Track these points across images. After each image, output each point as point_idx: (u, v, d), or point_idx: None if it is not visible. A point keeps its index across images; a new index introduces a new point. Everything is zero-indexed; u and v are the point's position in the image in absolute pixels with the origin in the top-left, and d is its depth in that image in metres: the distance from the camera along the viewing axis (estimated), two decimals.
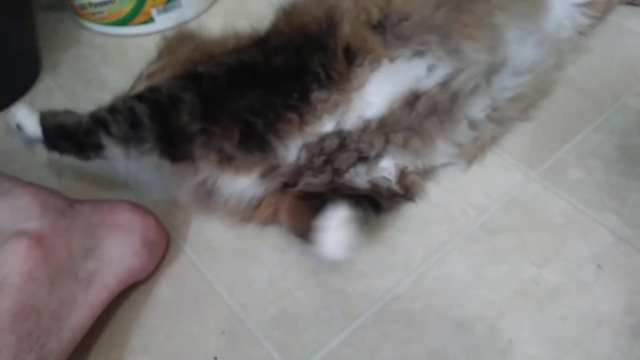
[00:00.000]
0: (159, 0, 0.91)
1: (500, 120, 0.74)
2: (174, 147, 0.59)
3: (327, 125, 0.63)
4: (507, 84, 0.72)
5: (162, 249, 0.65)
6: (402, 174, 0.67)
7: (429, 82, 0.64)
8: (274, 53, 0.62)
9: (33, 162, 0.77)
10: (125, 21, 0.93)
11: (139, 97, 0.58)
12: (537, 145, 0.77)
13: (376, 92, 0.63)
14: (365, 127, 0.64)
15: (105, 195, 0.74)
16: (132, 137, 0.57)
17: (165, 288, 0.65)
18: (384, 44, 0.63)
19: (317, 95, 0.61)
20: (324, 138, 0.63)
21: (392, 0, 0.66)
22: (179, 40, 0.71)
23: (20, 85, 0.87)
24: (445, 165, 0.73)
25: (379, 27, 0.64)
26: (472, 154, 0.73)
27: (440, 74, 0.64)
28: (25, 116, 0.60)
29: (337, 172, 0.64)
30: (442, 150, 0.70)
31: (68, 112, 0.61)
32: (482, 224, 0.69)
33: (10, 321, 0.49)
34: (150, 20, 0.93)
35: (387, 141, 0.65)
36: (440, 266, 0.66)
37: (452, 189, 0.72)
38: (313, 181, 0.64)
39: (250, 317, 0.62)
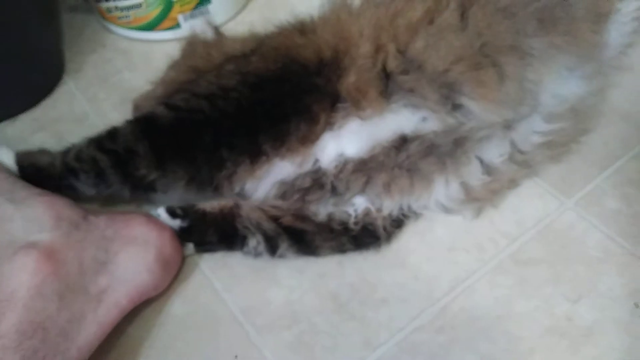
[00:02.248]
0: (186, 6, 0.89)
1: (526, 164, 0.68)
2: (140, 189, 0.63)
3: (301, 166, 0.61)
4: (537, 129, 0.65)
5: (177, 265, 0.62)
6: (368, 214, 0.64)
7: (423, 130, 0.60)
8: (253, 83, 0.60)
9: None
10: (151, 26, 0.91)
11: (100, 146, 0.61)
12: (573, 171, 0.73)
13: (355, 137, 0.60)
14: (344, 167, 0.61)
15: (122, 207, 0.72)
16: (100, 182, 0.61)
17: (178, 306, 0.62)
18: (381, 95, 0.59)
19: (289, 140, 0.59)
20: (297, 176, 0.61)
21: (413, 43, 0.60)
22: (190, 48, 0.73)
23: (43, 88, 0.86)
24: (447, 212, 0.67)
25: (386, 77, 0.59)
26: (482, 197, 0.66)
27: (434, 126, 0.60)
28: (3, 155, 0.65)
29: (305, 200, 0.63)
30: (441, 192, 0.64)
31: (42, 152, 0.66)
32: (512, 253, 0.66)
33: (16, 338, 0.47)
34: (176, 26, 0.91)
35: (367, 182, 0.62)
36: (467, 297, 0.62)
37: (481, 215, 0.69)
38: (277, 203, 0.63)
39: (265, 342, 0.59)
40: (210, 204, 0.64)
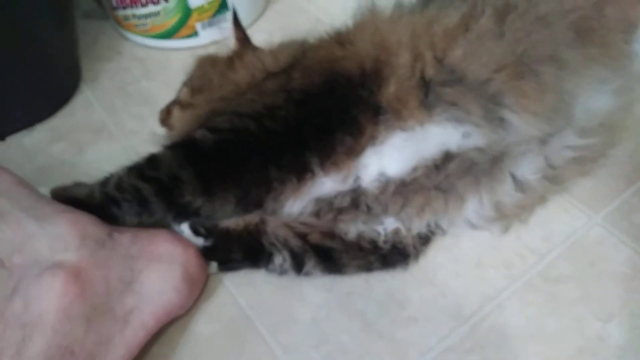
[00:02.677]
0: (204, 14, 0.88)
1: (556, 180, 0.66)
2: (184, 216, 0.61)
3: (344, 182, 0.60)
4: (570, 143, 0.64)
5: (202, 283, 0.61)
6: (398, 232, 0.63)
7: (465, 146, 0.58)
8: (299, 100, 0.59)
9: (72, 178, 0.74)
10: (168, 34, 0.90)
11: (142, 175, 0.59)
12: (600, 185, 0.71)
13: (398, 153, 0.58)
14: (385, 188, 0.60)
15: None
16: (143, 211, 0.59)
17: (203, 324, 0.61)
18: (422, 105, 0.57)
19: (335, 154, 0.58)
20: (336, 194, 0.60)
21: (451, 50, 0.58)
22: (210, 65, 0.72)
23: (59, 97, 0.85)
24: (475, 229, 0.66)
25: (425, 86, 0.58)
26: (511, 214, 0.65)
27: (477, 141, 0.58)
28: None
29: (337, 219, 0.62)
30: (473, 211, 0.63)
31: (78, 185, 0.64)
32: (541, 270, 0.64)
33: None
34: (194, 34, 0.90)
35: (404, 205, 0.61)
36: (497, 315, 0.61)
37: (509, 231, 0.68)
38: (305, 220, 0.62)
39: None
40: (235, 221, 0.63)
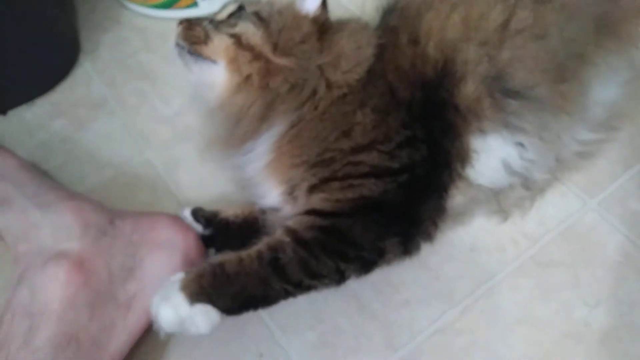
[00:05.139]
0: None
1: (557, 174, 0.67)
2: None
3: None
4: (579, 137, 0.64)
5: None
6: None
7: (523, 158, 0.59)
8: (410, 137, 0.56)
9: (73, 155, 0.76)
10: (168, 4, 0.88)
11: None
12: (599, 170, 0.72)
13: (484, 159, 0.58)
14: None
15: (144, 196, 0.72)
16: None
17: None
18: (494, 105, 0.56)
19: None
20: None
21: (499, 53, 0.56)
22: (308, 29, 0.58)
23: (60, 69, 0.85)
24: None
25: (491, 85, 0.56)
26: (513, 206, 0.67)
27: (531, 155, 0.59)
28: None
29: None
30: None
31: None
32: (533, 255, 0.66)
33: (51, 352, 0.49)
34: (194, 4, 0.89)
35: None
36: (487, 299, 0.63)
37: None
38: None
39: (289, 342, 0.61)
40: (234, 213, 0.64)
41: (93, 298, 0.53)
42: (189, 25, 0.59)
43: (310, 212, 0.55)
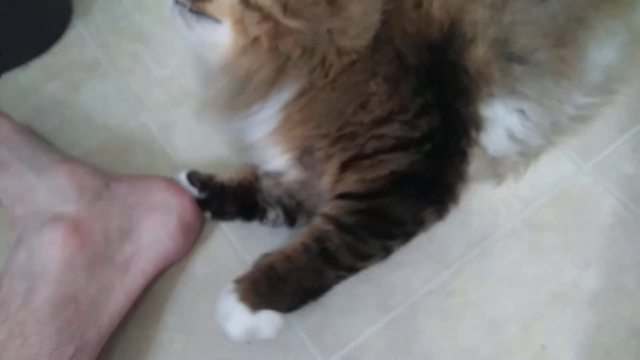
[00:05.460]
0: None
1: (552, 140, 0.65)
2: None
3: None
4: (576, 102, 0.62)
5: (197, 230, 0.64)
6: None
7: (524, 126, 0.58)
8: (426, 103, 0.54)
9: (68, 118, 0.76)
10: None
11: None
12: (593, 133, 0.71)
13: (495, 128, 0.57)
14: None
15: (139, 159, 0.72)
16: None
17: (200, 266, 0.65)
18: (503, 70, 0.54)
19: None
20: None
21: (503, 17, 0.54)
22: None
23: (53, 31, 0.83)
24: None
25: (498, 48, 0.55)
26: (508, 171, 0.65)
27: (530, 121, 0.58)
28: None
29: None
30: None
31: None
32: (526, 218, 0.67)
33: (51, 311, 0.50)
34: None
35: None
36: (479, 261, 0.64)
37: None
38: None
39: None
40: (229, 177, 0.64)
41: (90, 259, 0.54)
42: None
43: (345, 195, 0.55)
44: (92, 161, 0.65)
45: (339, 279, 0.54)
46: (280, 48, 0.52)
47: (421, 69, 0.55)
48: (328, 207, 0.55)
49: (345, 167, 0.55)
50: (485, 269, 0.64)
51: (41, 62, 0.81)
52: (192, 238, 0.63)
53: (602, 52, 0.62)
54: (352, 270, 0.55)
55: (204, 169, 0.67)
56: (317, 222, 0.54)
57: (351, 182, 0.55)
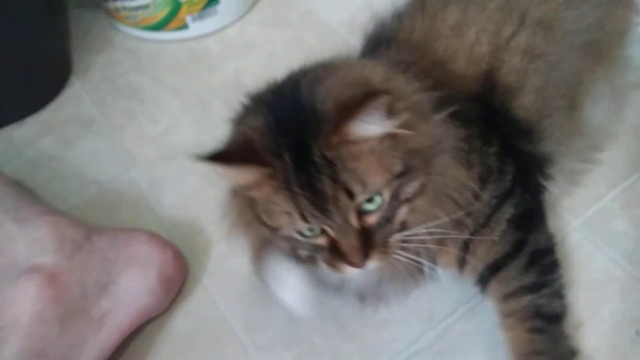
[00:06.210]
0: (194, 7, 0.88)
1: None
2: None
3: None
4: (570, 163, 0.67)
5: (179, 284, 0.63)
6: None
7: None
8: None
9: (58, 173, 0.77)
10: (159, 26, 0.90)
11: None
12: (582, 190, 0.71)
13: None
14: None
15: (126, 214, 0.72)
16: None
17: (180, 322, 0.63)
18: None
19: None
20: None
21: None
22: None
23: (50, 89, 0.86)
24: None
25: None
26: None
27: None
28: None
29: None
30: None
31: None
32: None
33: None
34: (184, 26, 0.90)
35: None
36: (468, 320, 0.62)
37: None
38: None
39: None
40: None
41: (64, 313, 0.53)
42: None
43: (496, 267, 0.57)
44: (80, 215, 0.65)
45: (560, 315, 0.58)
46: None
47: (477, 120, 0.56)
48: (491, 288, 0.58)
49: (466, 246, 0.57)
50: (475, 328, 0.62)
51: (37, 118, 0.83)
52: (172, 293, 0.62)
53: (595, 112, 0.63)
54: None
55: (188, 226, 0.66)
56: (496, 305, 0.58)
57: (483, 254, 0.57)
